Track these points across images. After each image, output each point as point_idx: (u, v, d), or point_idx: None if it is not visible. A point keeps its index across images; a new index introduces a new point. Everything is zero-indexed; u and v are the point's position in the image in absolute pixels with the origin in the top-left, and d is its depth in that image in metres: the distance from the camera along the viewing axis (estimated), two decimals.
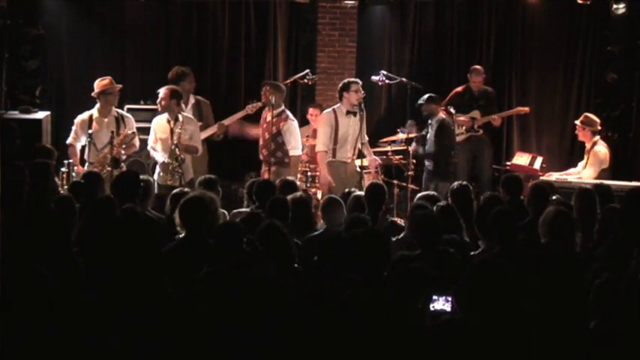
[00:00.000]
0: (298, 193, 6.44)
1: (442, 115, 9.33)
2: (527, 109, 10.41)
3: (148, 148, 8.62)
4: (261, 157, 9.03)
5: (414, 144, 9.54)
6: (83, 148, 8.57)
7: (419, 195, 7.15)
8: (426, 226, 5.30)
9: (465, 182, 7.22)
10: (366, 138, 8.88)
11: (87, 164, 8.46)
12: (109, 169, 8.10)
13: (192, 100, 9.21)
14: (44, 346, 3.50)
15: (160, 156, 8.41)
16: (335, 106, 8.76)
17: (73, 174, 8.11)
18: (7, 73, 9.98)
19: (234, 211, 6.86)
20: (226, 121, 9.27)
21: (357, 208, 6.44)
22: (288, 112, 9.02)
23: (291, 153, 8.83)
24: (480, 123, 10.10)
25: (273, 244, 4.89)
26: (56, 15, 10.63)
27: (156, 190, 7.88)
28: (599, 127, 9.46)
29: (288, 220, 5.79)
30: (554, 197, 6.94)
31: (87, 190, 6.42)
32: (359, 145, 8.71)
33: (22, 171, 6.38)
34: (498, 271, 3.66)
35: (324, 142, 8.63)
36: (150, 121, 8.78)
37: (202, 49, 10.97)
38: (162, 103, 8.34)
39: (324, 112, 8.88)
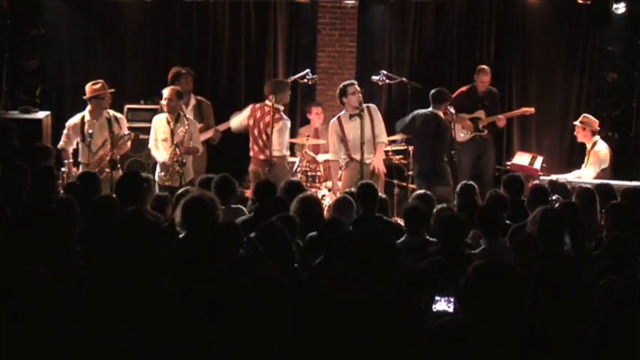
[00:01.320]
0: (308, 193, 6.42)
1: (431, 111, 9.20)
2: (532, 109, 10.37)
3: (150, 146, 8.62)
4: (262, 157, 8.88)
5: None
6: (74, 150, 8.59)
7: (414, 194, 7.16)
8: (449, 226, 5.33)
9: (470, 182, 7.23)
10: (383, 138, 8.82)
11: (80, 166, 8.48)
12: (107, 170, 8.13)
13: (193, 100, 9.22)
14: (43, 346, 3.49)
15: (160, 156, 8.41)
16: (340, 113, 8.78)
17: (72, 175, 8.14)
18: (7, 73, 9.99)
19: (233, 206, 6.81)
20: (221, 127, 9.28)
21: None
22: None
23: (275, 153, 8.73)
24: (484, 123, 10.07)
25: (273, 244, 4.89)
26: (56, 15, 10.64)
27: (157, 191, 7.90)
28: (598, 127, 9.48)
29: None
30: (554, 197, 6.94)
31: (83, 190, 6.41)
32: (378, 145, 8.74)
33: (22, 171, 6.39)
34: (501, 271, 3.66)
35: (333, 151, 8.76)
36: (150, 121, 8.78)
37: (202, 49, 10.97)
38: (171, 104, 8.35)
39: (331, 121, 8.90)
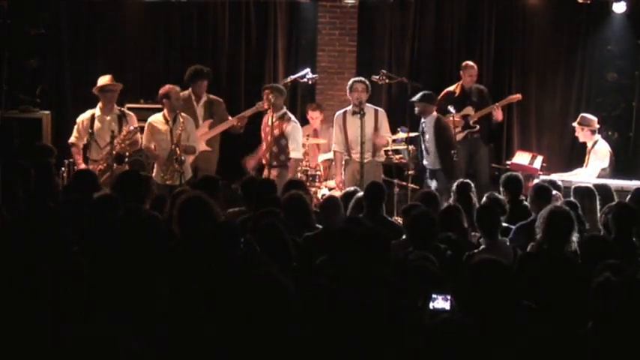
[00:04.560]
0: (294, 191, 6.40)
1: (436, 114, 9.28)
2: (518, 95, 10.33)
3: (142, 147, 8.62)
4: (263, 161, 9.06)
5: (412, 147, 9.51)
6: (85, 146, 8.60)
7: (419, 192, 7.16)
8: (419, 224, 5.31)
9: (466, 180, 7.23)
10: (387, 138, 9.01)
11: (90, 162, 8.50)
12: (114, 166, 8.13)
13: (204, 97, 9.23)
14: (44, 345, 3.49)
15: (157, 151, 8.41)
16: (347, 107, 8.97)
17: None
18: (7, 73, 9.99)
19: (229, 210, 6.80)
20: (247, 113, 9.30)
21: (356, 209, 6.45)
22: (291, 115, 9.08)
23: (291, 155, 8.86)
24: (475, 118, 10.05)
25: (272, 244, 4.88)
26: (56, 15, 10.64)
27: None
28: (598, 125, 9.46)
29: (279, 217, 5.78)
30: (554, 193, 6.94)
31: (79, 188, 6.38)
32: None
33: (21, 170, 6.38)
34: (498, 269, 3.66)
35: (336, 142, 8.98)
36: None
37: (202, 49, 10.98)
38: (179, 102, 8.41)
39: (336, 113, 9.11)
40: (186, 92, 9.13)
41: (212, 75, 9.40)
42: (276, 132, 8.78)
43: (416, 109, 9.25)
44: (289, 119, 8.95)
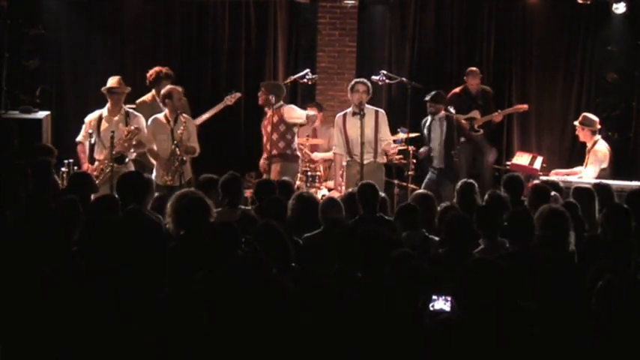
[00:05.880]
0: (305, 192, 6.41)
1: (444, 112, 9.29)
2: (525, 106, 10.42)
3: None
4: (265, 154, 9.04)
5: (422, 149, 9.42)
6: (92, 146, 8.62)
7: (414, 194, 7.14)
8: (455, 227, 5.31)
9: (470, 180, 7.22)
10: (388, 139, 8.94)
11: (96, 162, 8.53)
12: (116, 165, 8.14)
13: None
14: (44, 345, 3.50)
15: (158, 151, 8.42)
16: (348, 109, 8.96)
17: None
18: (7, 73, 10.00)
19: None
20: (197, 121, 9.33)
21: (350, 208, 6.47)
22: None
23: (300, 121, 8.95)
24: (480, 122, 10.10)
25: (271, 244, 4.89)
26: (56, 15, 10.66)
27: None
28: (599, 126, 9.48)
29: (284, 220, 5.79)
30: (552, 193, 6.93)
31: (76, 190, 6.37)
32: (381, 146, 8.83)
33: (21, 170, 6.38)
34: (495, 269, 3.66)
35: (335, 144, 8.98)
36: None
37: (202, 49, 10.99)
38: (179, 103, 8.45)
39: (337, 115, 9.11)
40: (149, 95, 9.20)
41: (174, 77, 9.38)
42: (275, 119, 8.81)
43: (431, 108, 9.23)
44: (284, 106, 8.99)
